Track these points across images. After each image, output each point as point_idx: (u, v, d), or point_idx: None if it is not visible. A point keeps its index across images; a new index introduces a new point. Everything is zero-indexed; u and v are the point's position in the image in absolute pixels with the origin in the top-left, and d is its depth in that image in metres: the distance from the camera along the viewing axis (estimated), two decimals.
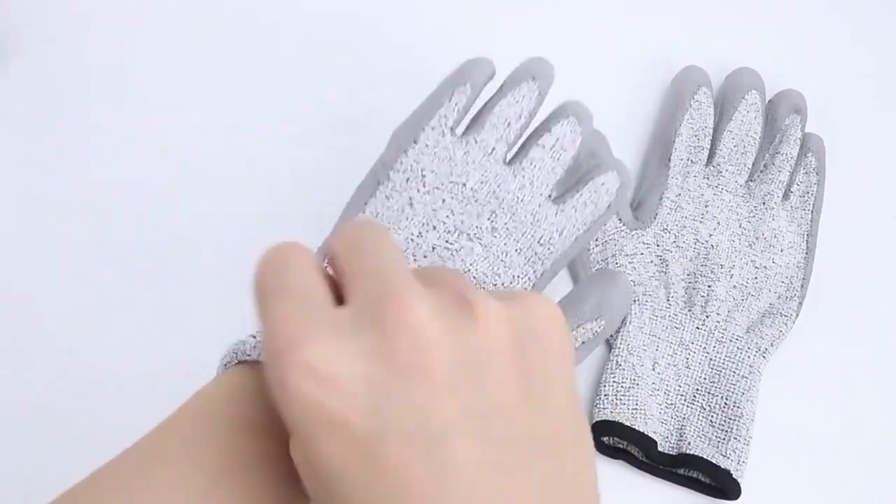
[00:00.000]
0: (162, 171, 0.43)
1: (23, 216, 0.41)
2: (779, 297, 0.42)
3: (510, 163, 0.34)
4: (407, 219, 0.32)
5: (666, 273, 0.41)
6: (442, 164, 0.33)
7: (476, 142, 0.33)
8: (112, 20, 0.46)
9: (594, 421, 0.38)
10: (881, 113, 0.48)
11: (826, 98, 0.47)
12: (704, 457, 0.38)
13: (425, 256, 0.31)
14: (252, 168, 0.43)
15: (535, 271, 0.33)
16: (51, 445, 0.37)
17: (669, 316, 0.41)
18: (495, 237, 0.32)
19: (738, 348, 0.40)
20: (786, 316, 0.41)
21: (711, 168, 0.44)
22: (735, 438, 0.38)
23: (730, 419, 0.38)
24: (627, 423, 0.38)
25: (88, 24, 0.45)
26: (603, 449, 0.39)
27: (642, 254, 0.42)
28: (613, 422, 0.38)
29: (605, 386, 0.39)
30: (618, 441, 0.39)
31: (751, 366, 0.40)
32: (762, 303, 0.41)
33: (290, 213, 0.38)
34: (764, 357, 0.40)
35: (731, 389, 0.39)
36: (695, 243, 0.42)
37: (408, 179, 0.32)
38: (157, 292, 0.40)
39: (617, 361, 0.39)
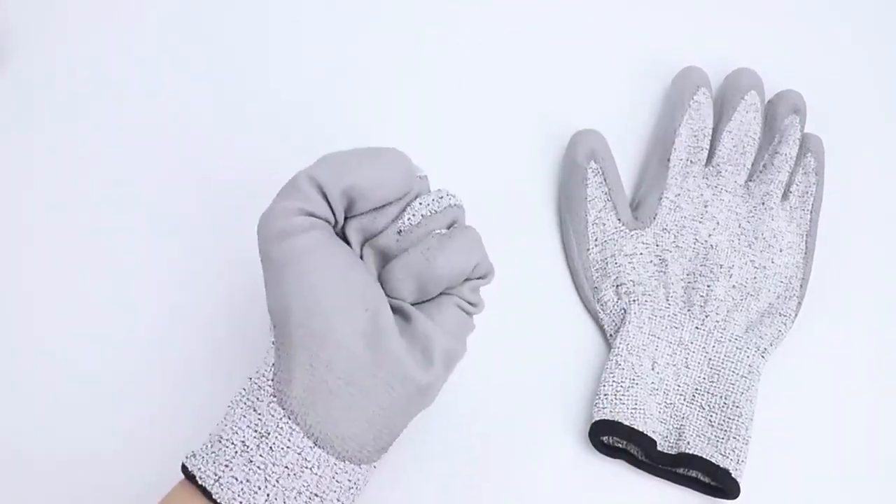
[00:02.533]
0: (161, 171, 0.43)
1: (22, 216, 0.41)
2: (778, 296, 0.42)
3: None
4: None
5: (665, 273, 0.41)
6: None
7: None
8: (111, 20, 0.46)
9: (594, 420, 0.38)
10: (880, 113, 0.48)
11: (825, 98, 0.47)
12: (703, 456, 0.38)
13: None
14: (251, 167, 0.43)
15: None
16: (54, 451, 0.37)
17: (669, 316, 0.41)
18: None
19: (737, 348, 0.40)
20: (785, 316, 0.41)
21: (711, 168, 0.44)
22: (734, 438, 0.38)
23: (729, 419, 0.39)
24: (627, 423, 0.38)
25: (88, 24, 0.45)
26: (602, 448, 0.39)
27: (641, 254, 0.42)
28: (613, 421, 0.38)
29: (604, 385, 0.39)
30: (617, 440, 0.39)
31: (750, 365, 0.40)
32: (761, 303, 0.42)
33: None
34: (763, 357, 0.41)
35: (730, 389, 0.39)
36: (694, 243, 0.42)
37: None
38: (156, 292, 0.40)
39: (616, 361, 0.39)
